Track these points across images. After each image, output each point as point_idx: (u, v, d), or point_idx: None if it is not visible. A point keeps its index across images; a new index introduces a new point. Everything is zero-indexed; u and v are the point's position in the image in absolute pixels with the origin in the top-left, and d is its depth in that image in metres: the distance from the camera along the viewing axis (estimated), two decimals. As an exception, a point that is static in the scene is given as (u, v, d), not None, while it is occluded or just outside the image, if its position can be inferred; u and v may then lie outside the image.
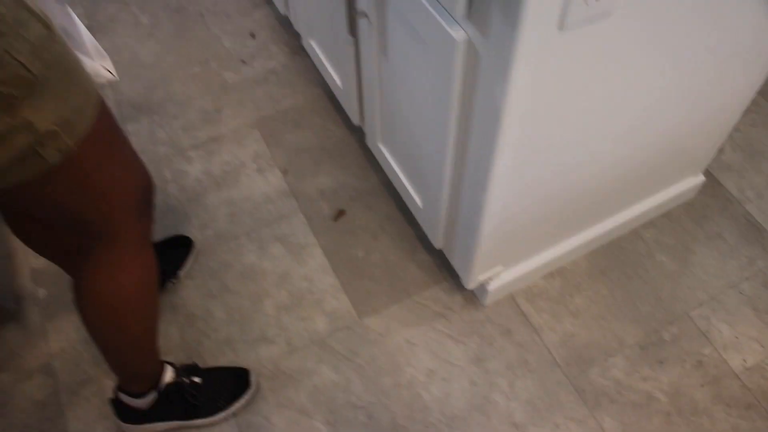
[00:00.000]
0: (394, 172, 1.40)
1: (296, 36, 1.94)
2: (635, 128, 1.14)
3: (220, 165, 1.66)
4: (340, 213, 1.56)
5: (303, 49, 1.91)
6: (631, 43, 0.92)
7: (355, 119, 1.53)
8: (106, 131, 0.88)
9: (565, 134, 1.03)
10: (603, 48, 0.89)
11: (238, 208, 1.59)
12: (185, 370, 1.28)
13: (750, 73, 1.19)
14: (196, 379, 1.28)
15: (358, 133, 1.70)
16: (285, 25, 1.98)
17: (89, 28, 1.94)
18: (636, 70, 0.98)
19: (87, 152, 0.84)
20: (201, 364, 1.33)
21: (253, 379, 1.33)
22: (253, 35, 1.95)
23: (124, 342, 1.10)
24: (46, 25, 0.76)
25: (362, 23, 1.19)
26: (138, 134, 1.73)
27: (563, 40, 0.83)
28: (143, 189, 1.00)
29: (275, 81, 1.83)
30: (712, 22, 0.98)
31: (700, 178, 1.55)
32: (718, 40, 1.04)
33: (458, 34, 0.88)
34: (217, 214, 1.58)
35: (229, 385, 1.32)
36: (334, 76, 1.56)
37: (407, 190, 1.37)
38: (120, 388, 1.22)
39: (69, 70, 0.79)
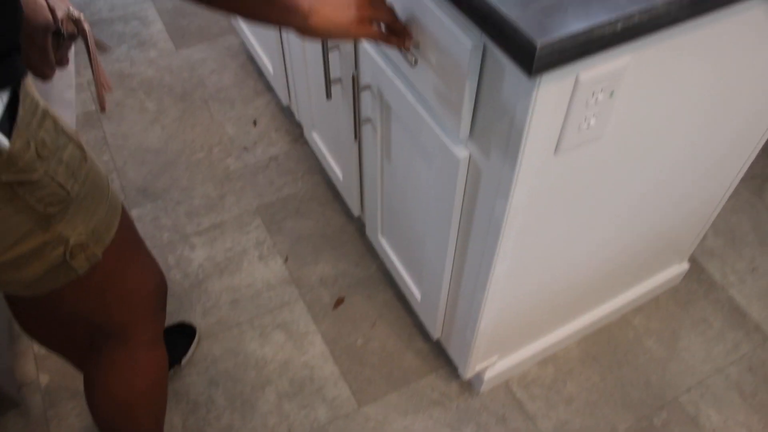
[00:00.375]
0: (394, 264, 1.46)
1: (297, 124, 2.02)
2: (623, 226, 1.21)
3: (222, 251, 1.71)
4: (340, 301, 1.61)
5: (304, 137, 1.99)
6: (620, 158, 0.99)
7: (355, 211, 1.60)
8: (126, 237, 0.93)
9: (559, 238, 1.10)
10: (593, 164, 0.96)
11: (240, 294, 1.63)
12: None
13: (731, 169, 1.27)
14: None
15: (357, 221, 1.76)
16: (286, 113, 2.06)
17: (97, 112, 2.02)
18: (624, 178, 1.06)
19: (110, 259, 0.89)
20: (204, 454, 1.36)
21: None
22: (255, 122, 2.03)
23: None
24: (80, 146, 0.82)
25: (366, 128, 1.26)
26: (142, 220, 1.78)
27: (558, 161, 0.90)
28: (158, 289, 1.04)
29: (276, 168, 1.90)
30: (695, 134, 1.06)
31: (685, 266, 1.62)
32: (700, 149, 1.12)
33: (461, 152, 0.95)
34: (219, 300, 1.62)
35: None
36: (335, 168, 1.63)
37: (406, 283, 1.43)
38: None
39: (97, 184, 0.85)
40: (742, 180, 1.88)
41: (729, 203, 1.85)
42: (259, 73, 2.20)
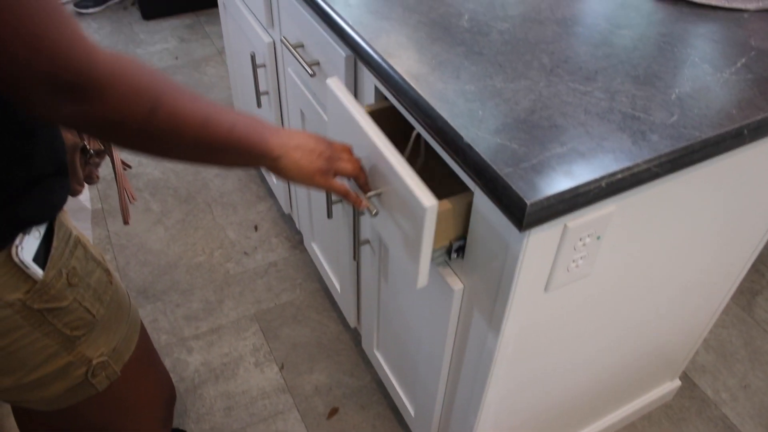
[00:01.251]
0: (388, 377, 1.48)
1: (297, 231, 2.07)
2: (614, 350, 1.23)
3: (219, 357, 1.73)
4: (334, 411, 1.61)
5: (303, 244, 2.03)
6: (609, 291, 1.03)
7: (352, 323, 1.63)
8: (143, 351, 0.97)
9: (550, 364, 1.12)
10: (583, 299, 1.00)
11: (234, 402, 1.64)
12: None
13: (720, 290, 1.31)
14: None
15: (354, 332, 1.79)
16: (287, 219, 2.12)
17: (102, 210, 2.08)
18: (614, 308, 1.09)
19: (127, 373, 0.92)
20: None
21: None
22: (256, 228, 2.08)
23: None
24: (106, 270, 0.87)
25: (365, 248, 1.31)
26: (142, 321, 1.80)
27: (548, 297, 0.94)
28: (168, 400, 1.07)
29: (275, 274, 1.94)
30: (683, 264, 1.11)
31: (677, 383, 1.63)
32: (689, 275, 1.16)
33: (456, 285, 0.99)
34: (213, 407, 1.63)
35: None
36: (333, 280, 1.66)
37: (400, 398, 1.44)
38: None
39: (120, 304, 0.89)
40: (732, 297, 1.92)
41: (719, 318, 1.87)
42: (262, 178, 2.27)
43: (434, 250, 0.93)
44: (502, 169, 0.76)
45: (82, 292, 0.81)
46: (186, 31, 3.07)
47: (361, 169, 0.92)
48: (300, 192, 1.70)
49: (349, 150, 0.92)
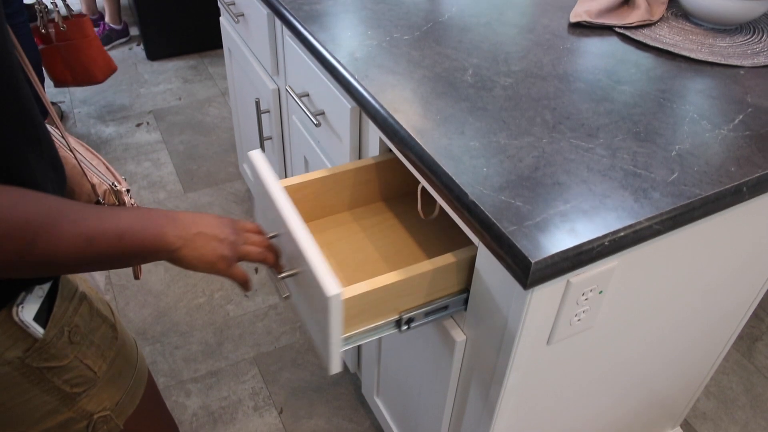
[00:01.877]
0: (388, 425, 1.47)
1: (297, 272, 2.08)
2: (616, 398, 1.23)
3: (218, 401, 1.72)
4: (333, 457, 1.60)
5: (303, 285, 2.04)
6: (611, 342, 1.04)
7: (351, 368, 1.62)
8: (149, 403, 0.95)
9: (552, 414, 1.12)
10: (585, 350, 1.01)
11: (232, 446, 1.62)
12: None
13: (721, 338, 1.31)
14: None
15: (353, 376, 1.78)
16: (287, 260, 2.12)
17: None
18: (616, 359, 1.10)
19: (131, 427, 0.90)
20: None
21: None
22: (256, 270, 2.09)
23: None
24: (111, 325, 0.86)
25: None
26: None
27: (550, 350, 0.94)
28: None
29: (275, 317, 1.94)
30: (685, 313, 1.11)
31: (678, 431, 1.63)
32: (691, 325, 1.17)
33: (459, 336, 0.99)
34: (211, 452, 1.61)
35: None
36: (334, 324, 1.66)
37: (401, 446, 1.43)
38: None
39: (126, 359, 0.88)
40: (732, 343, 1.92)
41: (719, 365, 1.87)
42: (264, 219, 2.28)
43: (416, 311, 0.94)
44: (507, 227, 0.77)
45: (84, 349, 0.80)
46: (190, 72, 3.11)
47: (270, 250, 0.86)
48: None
49: (257, 230, 0.87)
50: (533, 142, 0.92)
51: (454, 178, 0.84)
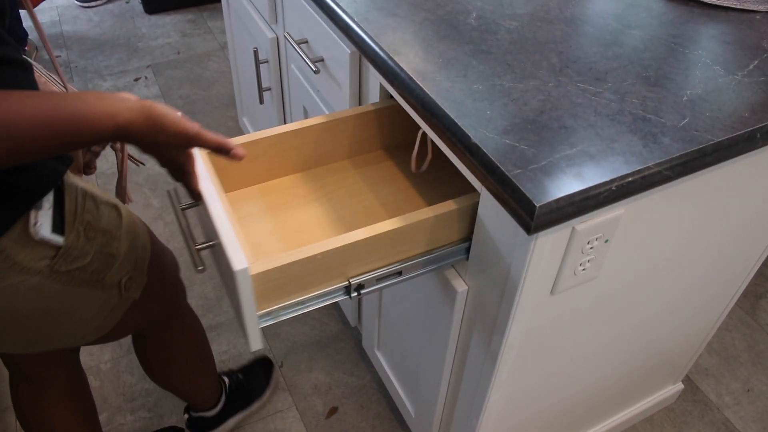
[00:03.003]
0: (389, 377, 1.46)
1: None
2: (619, 352, 1.22)
3: (218, 354, 1.71)
4: (333, 410, 1.60)
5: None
6: (615, 294, 1.02)
7: (352, 321, 1.61)
8: (154, 245, 1.02)
9: (554, 367, 1.11)
10: (589, 302, 0.99)
11: (233, 400, 1.62)
12: (229, 374, 1.58)
13: (726, 294, 1.29)
14: (240, 375, 1.59)
15: (354, 330, 1.77)
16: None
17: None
18: (620, 311, 1.08)
19: (151, 275, 1.00)
20: None
21: (273, 359, 1.69)
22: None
23: (206, 377, 1.37)
24: (113, 206, 0.90)
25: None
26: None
27: (554, 300, 0.92)
28: (177, 271, 1.15)
29: (276, 271, 1.92)
30: (690, 268, 1.09)
31: (679, 386, 1.62)
32: (696, 280, 1.15)
33: (460, 286, 0.97)
34: (212, 405, 1.61)
35: (261, 370, 1.64)
36: (334, 278, 1.65)
37: (401, 398, 1.43)
38: (194, 410, 1.48)
39: (133, 229, 0.93)
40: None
41: (722, 322, 1.86)
42: (264, 174, 2.25)
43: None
44: (511, 171, 0.74)
45: (100, 239, 0.86)
46: (188, 25, 3.05)
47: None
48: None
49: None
50: (539, 86, 0.89)
51: (456, 120, 0.81)
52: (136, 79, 2.69)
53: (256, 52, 1.53)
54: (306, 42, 1.29)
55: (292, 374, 1.67)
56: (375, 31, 0.98)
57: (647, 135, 0.81)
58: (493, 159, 0.76)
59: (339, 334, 1.77)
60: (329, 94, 1.25)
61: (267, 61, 1.58)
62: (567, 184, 0.74)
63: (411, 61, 0.92)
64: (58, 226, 0.79)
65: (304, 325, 1.78)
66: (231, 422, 1.53)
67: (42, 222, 0.76)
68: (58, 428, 1.16)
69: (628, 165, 0.77)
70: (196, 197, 0.83)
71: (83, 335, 0.94)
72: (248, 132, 2.11)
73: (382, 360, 1.48)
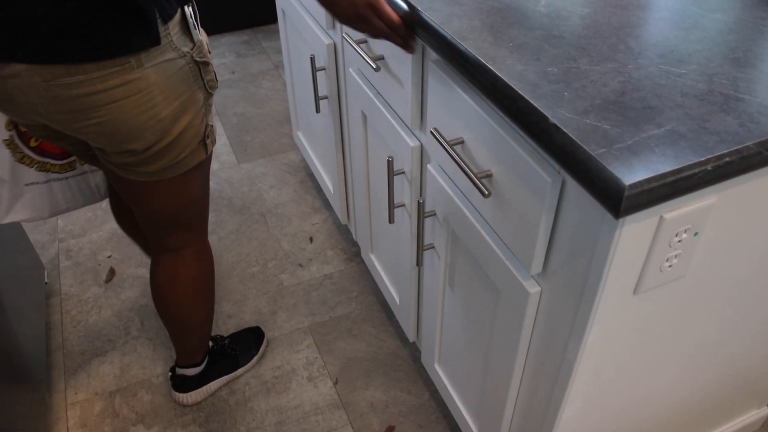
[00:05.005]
0: (450, 394, 1.39)
1: (354, 243, 2.01)
2: (701, 364, 1.13)
3: (271, 370, 1.67)
4: (390, 429, 1.53)
5: (359, 256, 1.97)
6: (701, 296, 0.94)
7: (410, 336, 1.55)
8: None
9: (632, 377, 1.03)
10: (673, 303, 0.91)
11: (286, 416, 1.57)
12: (215, 338, 1.67)
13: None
14: (226, 341, 1.67)
15: (412, 347, 1.71)
16: (343, 231, 2.06)
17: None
18: (705, 316, 0.99)
19: (209, 158, 1.21)
20: None
21: (264, 331, 1.76)
22: (311, 239, 2.03)
23: (204, 319, 1.46)
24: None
25: (429, 254, 1.24)
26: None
27: (636, 300, 0.85)
28: (207, 206, 1.33)
29: (330, 286, 1.88)
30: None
31: (764, 411, 1.50)
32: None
33: (533, 288, 0.91)
34: (264, 421, 1.56)
35: (250, 338, 1.71)
36: (392, 291, 1.59)
37: (463, 417, 1.35)
38: (178, 365, 1.57)
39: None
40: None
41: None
42: (318, 190, 2.23)
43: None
44: (595, 150, 0.68)
45: (212, 63, 1.10)
46: (243, 46, 3.07)
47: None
48: (359, 200, 1.64)
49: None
50: (617, 68, 0.83)
51: (531, 101, 0.76)
52: (192, 100, 2.71)
53: (312, 60, 1.50)
54: (365, 41, 1.25)
55: (347, 391, 1.62)
56: (440, 18, 0.94)
57: (743, 114, 0.74)
58: (574, 139, 0.70)
59: (396, 350, 1.70)
60: (390, 94, 1.21)
61: (323, 69, 1.55)
62: (657, 164, 0.67)
63: (480, 46, 0.87)
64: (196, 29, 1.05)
65: (360, 341, 1.73)
66: (214, 385, 1.62)
67: (192, 17, 1.04)
68: (190, 284, 1.36)
69: (725, 144, 0.70)
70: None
71: (176, 154, 1.10)
72: (304, 147, 2.09)
73: (442, 375, 1.41)
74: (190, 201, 1.22)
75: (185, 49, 1.01)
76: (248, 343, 1.69)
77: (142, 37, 0.94)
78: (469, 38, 0.89)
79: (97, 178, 1.41)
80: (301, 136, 2.09)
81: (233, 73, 2.87)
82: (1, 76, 0.93)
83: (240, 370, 1.65)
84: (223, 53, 3.02)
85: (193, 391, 1.59)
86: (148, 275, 1.94)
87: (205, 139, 1.13)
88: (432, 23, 0.93)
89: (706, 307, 0.96)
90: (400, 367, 1.67)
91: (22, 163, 1.29)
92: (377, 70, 1.15)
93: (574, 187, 0.77)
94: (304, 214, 2.13)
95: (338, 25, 1.42)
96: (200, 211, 1.28)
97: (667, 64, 0.84)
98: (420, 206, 1.13)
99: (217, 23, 3.13)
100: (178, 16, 0.99)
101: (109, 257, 2.01)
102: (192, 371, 1.57)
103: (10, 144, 1.26)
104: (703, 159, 0.68)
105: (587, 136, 0.70)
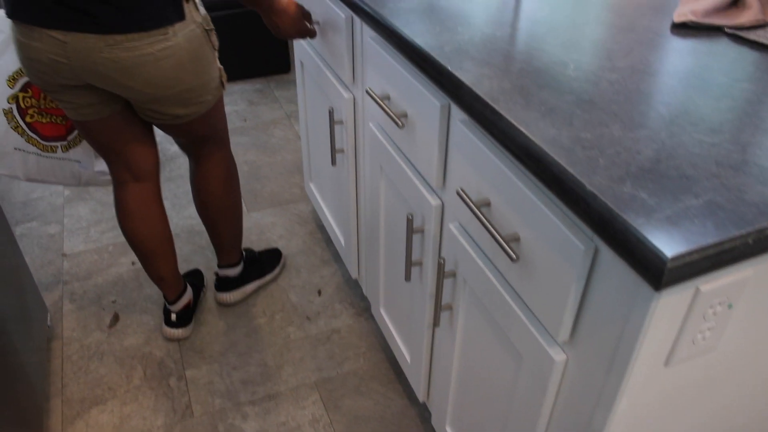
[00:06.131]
0: (462, 459, 1.35)
1: (363, 297, 1.99)
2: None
3: (276, 426, 1.62)
4: (398, 492, 1.49)
5: (368, 311, 1.94)
6: (732, 367, 0.91)
7: (420, 396, 1.51)
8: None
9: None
10: (704, 375, 0.88)
11: (290, 475, 1.52)
12: (246, 249, 2.05)
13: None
14: (255, 253, 2.04)
15: (421, 407, 1.67)
16: (351, 285, 2.04)
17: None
18: (737, 387, 0.97)
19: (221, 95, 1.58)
20: None
21: (282, 252, 2.13)
22: (319, 292, 2.01)
23: (235, 209, 1.80)
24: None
25: (445, 314, 1.21)
26: (196, 382, 1.72)
27: (667, 372, 0.83)
28: (226, 126, 1.73)
29: (338, 341, 1.85)
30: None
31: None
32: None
33: (558, 355, 0.88)
34: (268, 480, 1.51)
35: (272, 255, 2.08)
36: (402, 349, 1.56)
37: (475, 482, 1.31)
38: (220, 265, 1.91)
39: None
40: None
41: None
42: (327, 242, 2.21)
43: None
44: (635, 220, 0.67)
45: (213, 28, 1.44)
46: (256, 94, 3.10)
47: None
48: (371, 255, 1.62)
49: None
50: (650, 135, 0.82)
51: (567, 168, 0.75)
52: (203, 146, 2.72)
53: (331, 112, 1.51)
54: (388, 98, 1.25)
55: (353, 451, 1.57)
56: (471, 79, 0.94)
57: (782, 187, 0.73)
58: (613, 208, 0.69)
59: (404, 410, 1.66)
60: (412, 151, 1.21)
61: (342, 122, 1.55)
62: (698, 236, 0.66)
63: (512, 108, 0.87)
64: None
65: (368, 399, 1.69)
66: (249, 287, 1.98)
67: None
68: (157, 217, 1.67)
69: (765, 216, 0.68)
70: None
71: (205, 98, 1.47)
72: (315, 198, 2.08)
73: (453, 438, 1.38)
74: (215, 124, 1.60)
75: (199, 20, 1.35)
76: (271, 257, 2.06)
77: (174, 13, 1.28)
78: (501, 100, 0.88)
79: (76, 168, 1.74)
80: (313, 188, 2.09)
81: (245, 120, 2.89)
82: (62, 41, 1.25)
83: (268, 276, 2.03)
84: (235, 101, 3.04)
85: (234, 291, 1.94)
86: (152, 322, 1.91)
87: (221, 80, 1.51)
88: (464, 83, 0.93)
89: (739, 375, 0.94)
90: (408, 427, 1.62)
91: (15, 131, 1.63)
92: (401, 127, 1.15)
93: (608, 255, 0.75)
94: (313, 266, 2.11)
95: (359, 79, 1.42)
96: (223, 128, 1.66)
97: (700, 132, 0.83)
98: (440, 267, 1.11)
99: (231, 71, 3.16)
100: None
101: (113, 302, 1.98)
102: (232, 272, 1.91)
103: (8, 113, 1.61)
104: (744, 232, 0.67)
105: (625, 205, 0.69)
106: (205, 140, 1.63)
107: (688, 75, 0.98)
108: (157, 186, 1.69)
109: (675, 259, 0.63)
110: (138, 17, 1.24)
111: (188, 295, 1.86)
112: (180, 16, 1.29)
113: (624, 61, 1.02)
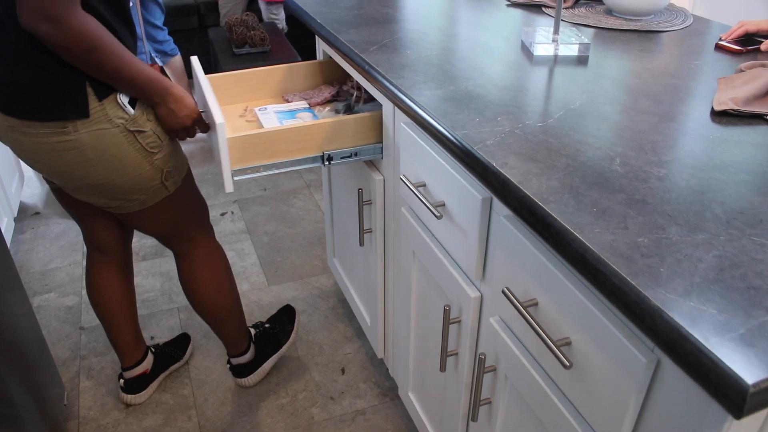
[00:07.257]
0: None
1: (387, 376, 1.94)
2: None
3: None
4: None
5: (394, 391, 1.89)
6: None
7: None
8: (191, 179, 1.52)
9: None
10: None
11: None
12: (255, 325, 1.96)
13: None
14: (266, 324, 1.96)
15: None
16: (376, 363, 1.99)
17: (180, 321, 1.97)
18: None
19: (184, 186, 1.47)
20: None
21: (294, 307, 2.07)
22: (343, 370, 1.96)
23: (231, 307, 1.71)
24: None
25: (484, 408, 1.17)
26: None
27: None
28: (205, 210, 1.63)
29: (363, 423, 1.79)
30: None
31: None
32: None
33: (614, 467, 0.84)
34: None
35: (284, 317, 1.99)
36: (433, 436, 1.51)
37: None
38: (230, 356, 1.85)
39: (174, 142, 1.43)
40: None
41: None
42: (350, 317, 2.17)
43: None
44: (708, 339, 0.64)
45: (154, 124, 1.34)
46: (275, 164, 3.10)
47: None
48: (399, 338, 1.58)
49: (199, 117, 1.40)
50: (709, 239, 0.79)
51: (629, 279, 0.72)
52: (223, 214, 2.72)
53: (360, 193, 1.49)
54: (424, 185, 1.24)
55: None
56: (518, 177, 0.92)
57: None
58: (683, 326, 0.66)
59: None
60: (449, 241, 1.18)
61: (371, 202, 1.54)
62: (779, 356, 0.62)
63: (563, 210, 0.84)
64: (133, 104, 1.29)
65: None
66: (267, 365, 1.91)
67: (125, 98, 1.27)
68: (115, 288, 1.69)
69: (843, 333, 0.65)
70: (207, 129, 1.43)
71: (131, 197, 1.38)
72: (339, 274, 2.05)
73: None
74: (173, 222, 1.50)
75: (119, 122, 1.27)
76: (283, 322, 1.97)
77: (73, 111, 1.22)
78: (551, 201, 0.86)
79: None
80: (337, 264, 2.06)
81: (265, 190, 2.89)
82: None
83: (284, 348, 1.94)
84: (255, 170, 3.05)
85: (251, 375, 1.88)
86: (171, 401, 1.86)
87: (164, 182, 1.40)
88: (512, 181, 0.91)
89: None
90: None
91: None
92: (439, 218, 1.13)
93: (672, 370, 0.72)
94: (336, 342, 2.07)
95: (392, 163, 1.41)
96: (192, 225, 1.55)
97: (760, 236, 0.80)
98: (481, 361, 1.07)
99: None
100: (113, 96, 1.25)
101: (132, 380, 1.93)
102: (243, 359, 1.85)
103: None
104: (825, 355, 0.63)
105: (694, 321, 0.66)
106: (168, 238, 1.56)
107: (737, 169, 0.96)
108: (122, 258, 1.68)
109: (756, 385, 0.60)
110: (31, 107, 1.21)
111: (145, 365, 1.85)
112: (81, 115, 1.22)
113: (670, 154, 1.00)
